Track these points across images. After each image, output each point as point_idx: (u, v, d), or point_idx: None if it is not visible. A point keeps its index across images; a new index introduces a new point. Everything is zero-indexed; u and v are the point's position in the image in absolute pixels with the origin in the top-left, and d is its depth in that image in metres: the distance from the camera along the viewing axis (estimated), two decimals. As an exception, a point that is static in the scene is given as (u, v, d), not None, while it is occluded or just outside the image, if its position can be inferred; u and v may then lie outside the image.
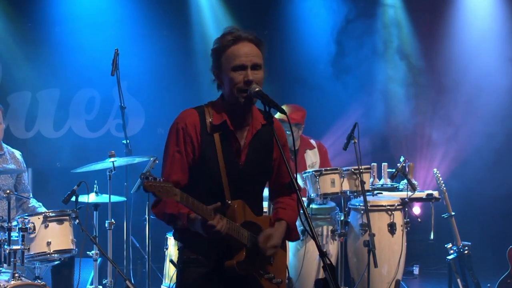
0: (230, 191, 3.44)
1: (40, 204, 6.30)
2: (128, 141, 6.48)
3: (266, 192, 3.77)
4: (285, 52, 9.09)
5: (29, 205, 6.26)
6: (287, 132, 6.38)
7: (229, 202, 3.36)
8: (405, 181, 6.85)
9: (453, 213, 6.92)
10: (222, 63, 3.43)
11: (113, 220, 6.14)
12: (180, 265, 3.57)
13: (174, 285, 5.91)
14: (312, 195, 6.25)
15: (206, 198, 3.28)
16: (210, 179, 3.42)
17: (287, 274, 3.69)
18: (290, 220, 3.64)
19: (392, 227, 6.38)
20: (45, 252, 5.51)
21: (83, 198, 5.82)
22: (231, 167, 3.46)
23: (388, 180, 7.26)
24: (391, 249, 6.40)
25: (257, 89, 3.36)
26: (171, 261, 5.95)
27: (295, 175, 3.52)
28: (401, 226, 6.45)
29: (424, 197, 7.10)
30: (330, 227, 6.40)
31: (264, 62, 3.46)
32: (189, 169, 3.45)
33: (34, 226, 5.47)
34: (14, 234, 5.40)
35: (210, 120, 3.47)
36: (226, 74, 3.42)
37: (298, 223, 6.21)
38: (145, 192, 3.07)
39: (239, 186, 3.47)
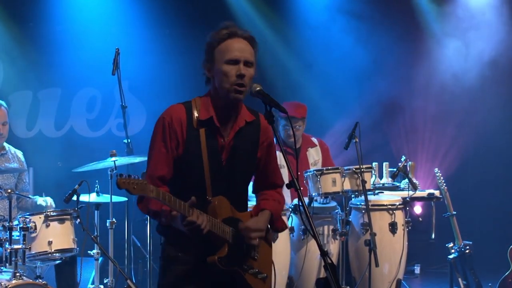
0: (212, 188, 3.45)
1: (37, 196, 6.29)
2: (129, 140, 6.49)
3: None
4: (287, 51, 9.11)
5: (27, 200, 6.25)
6: (296, 128, 6.39)
7: (210, 198, 3.37)
8: (406, 180, 6.86)
9: (454, 213, 6.92)
10: (215, 55, 3.44)
11: (114, 220, 6.15)
12: (161, 261, 3.57)
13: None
14: (313, 194, 6.25)
15: (188, 194, 3.29)
16: (193, 175, 3.42)
17: (273, 269, 3.68)
18: (273, 209, 3.64)
19: (393, 227, 6.39)
20: (46, 251, 5.51)
21: (84, 198, 5.83)
22: (214, 164, 3.46)
23: (389, 179, 7.26)
24: (392, 249, 6.40)
25: (258, 88, 3.37)
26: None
27: (296, 174, 3.50)
28: (402, 225, 6.45)
29: (425, 196, 7.11)
30: (331, 227, 6.40)
31: (256, 62, 3.48)
32: (174, 164, 3.46)
33: (35, 225, 5.47)
34: (16, 234, 5.40)
35: (197, 115, 3.47)
36: (219, 67, 3.42)
37: (299, 222, 6.27)
38: (119, 189, 3.08)
39: (221, 182, 3.48)
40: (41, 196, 6.32)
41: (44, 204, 6.19)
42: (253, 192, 3.82)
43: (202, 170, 3.43)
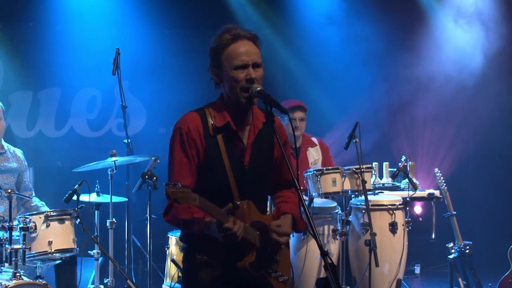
0: (239, 192, 3.44)
1: (43, 203, 6.31)
2: (129, 140, 6.48)
3: None
4: (287, 51, 9.11)
5: (32, 204, 6.27)
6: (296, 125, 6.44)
7: (238, 202, 3.34)
8: (407, 180, 6.86)
9: (454, 213, 6.93)
10: (222, 61, 3.41)
11: (114, 220, 6.14)
12: (187, 265, 3.55)
13: (176, 284, 5.94)
14: (314, 194, 6.25)
15: (214, 201, 3.25)
16: (218, 181, 3.40)
17: (291, 272, 3.67)
18: (294, 212, 3.62)
19: (393, 226, 6.39)
20: (47, 251, 5.51)
21: (84, 198, 5.82)
22: (236, 168, 3.45)
23: (390, 179, 7.26)
24: (392, 248, 6.40)
25: (258, 88, 3.36)
26: (173, 260, 5.95)
27: (297, 173, 3.50)
28: (403, 225, 6.45)
29: (425, 196, 7.11)
30: (331, 227, 6.40)
31: (263, 61, 3.47)
32: (197, 172, 3.44)
33: (35, 226, 5.47)
34: (16, 234, 5.40)
35: (212, 122, 3.45)
36: (228, 73, 3.40)
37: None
38: (168, 198, 3.07)
39: (246, 186, 3.47)
40: (40, 200, 6.35)
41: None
42: (270, 195, 3.80)
43: (226, 176, 3.42)
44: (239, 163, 3.47)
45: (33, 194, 6.37)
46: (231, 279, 3.45)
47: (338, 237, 6.38)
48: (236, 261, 3.39)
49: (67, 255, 5.70)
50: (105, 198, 6.14)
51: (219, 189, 3.34)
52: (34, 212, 5.65)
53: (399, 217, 6.45)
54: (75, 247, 5.68)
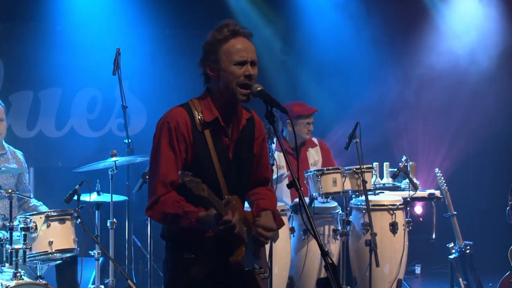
0: (227, 187, 3.44)
1: (41, 203, 6.31)
2: (129, 140, 6.49)
3: None
4: (287, 50, 9.11)
5: (30, 205, 6.27)
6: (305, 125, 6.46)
7: (228, 197, 3.34)
8: (407, 180, 6.86)
9: (454, 213, 6.93)
10: (220, 56, 3.41)
11: (114, 220, 6.15)
12: (171, 264, 3.51)
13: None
14: (314, 194, 6.25)
15: (203, 196, 3.25)
16: (206, 177, 3.35)
17: (268, 271, 3.67)
18: (272, 208, 3.64)
19: (393, 227, 6.39)
20: (47, 251, 5.52)
21: (85, 198, 5.83)
22: (224, 164, 3.46)
23: (390, 179, 7.26)
24: (393, 249, 6.41)
25: (259, 88, 3.36)
26: (173, 260, 5.94)
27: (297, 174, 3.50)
28: (403, 225, 6.46)
29: (426, 196, 7.12)
30: (332, 227, 6.41)
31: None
32: (183, 168, 3.42)
33: (36, 226, 5.47)
34: (16, 234, 5.41)
35: (199, 117, 3.45)
36: (226, 68, 3.40)
37: (300, 222, 6.27)
38: (186, 186, 3.09)
39: (233, 182, 3.48)
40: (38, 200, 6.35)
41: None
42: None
43: (215, 171, 3.42)
44: (226, 159, 3.48)
45: (31, 196, 6.37)
46: (218, 277, 3.44)
47: (338, 237, 6.39)
48: (224, 257, 3.39)
49: (68, 255, 5.70)
50: (105, 198, 6.14)
51: (208, 185, 3.30)
52: (35, 212, 5.65)
53: (400, 217, 6.45)
54: (76, 247, 5.68)
